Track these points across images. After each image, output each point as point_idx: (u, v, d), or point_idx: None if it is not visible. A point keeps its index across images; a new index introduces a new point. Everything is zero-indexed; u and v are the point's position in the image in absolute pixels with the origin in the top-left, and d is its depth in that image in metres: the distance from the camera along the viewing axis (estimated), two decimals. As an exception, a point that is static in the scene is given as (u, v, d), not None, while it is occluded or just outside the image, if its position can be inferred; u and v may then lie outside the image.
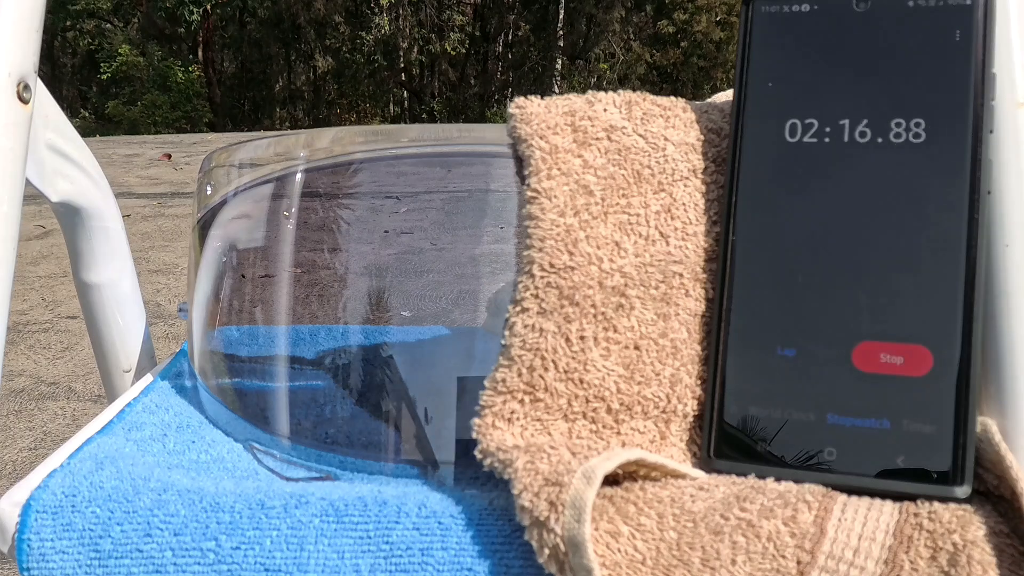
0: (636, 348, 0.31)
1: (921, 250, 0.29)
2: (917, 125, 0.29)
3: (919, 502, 0.27)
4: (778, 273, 0.30)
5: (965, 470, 0.27)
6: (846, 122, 0.30)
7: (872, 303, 0.29)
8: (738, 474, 0.30)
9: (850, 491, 0.28)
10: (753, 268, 0.31)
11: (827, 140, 0.30)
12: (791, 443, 0.29)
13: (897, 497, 0.27)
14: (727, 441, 0.30)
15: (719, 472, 0.30)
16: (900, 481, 0.28)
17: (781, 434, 0.30)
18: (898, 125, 0.29)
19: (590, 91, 0.36)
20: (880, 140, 0.30)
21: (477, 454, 0.30)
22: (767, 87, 0.31)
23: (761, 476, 0.29)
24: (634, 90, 0.36)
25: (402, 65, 13.15)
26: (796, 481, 0.29)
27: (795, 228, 0.30)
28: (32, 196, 0.40)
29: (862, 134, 0.30)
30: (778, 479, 0.29)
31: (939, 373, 0.28)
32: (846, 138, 0.30)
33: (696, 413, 0.31)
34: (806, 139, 0.31)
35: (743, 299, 0.31)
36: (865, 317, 0.29)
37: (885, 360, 0.29)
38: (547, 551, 0.26)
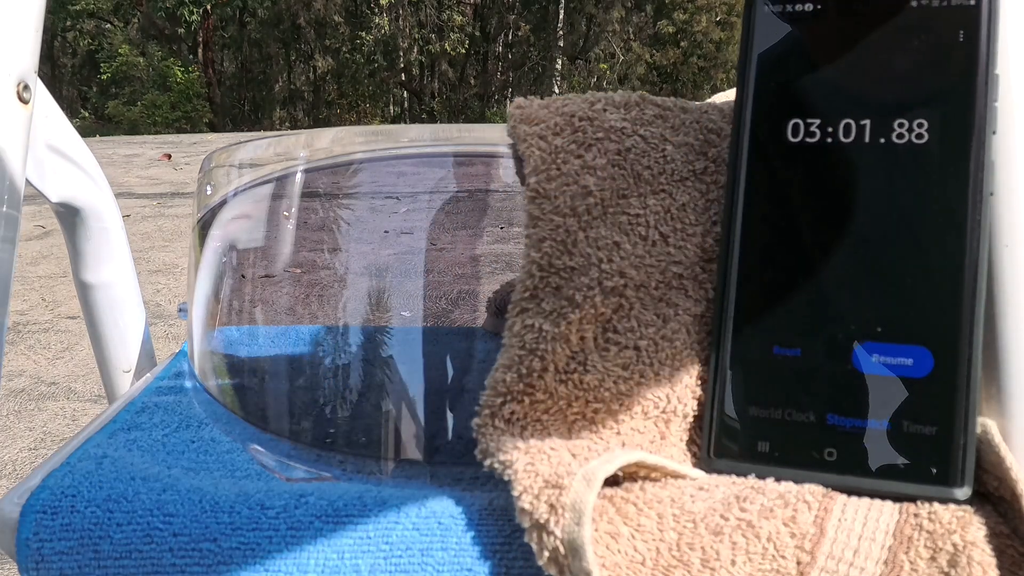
0: (636, 349, 0.31)
1: (922, 251, 0.29)
2: (920, 126, 0.29)
3: (919, 503, 0.27)
4: (778, 273, 0.30)
5: (965, 471, 0.27)
6: (848, 123, 0.30)
7: (873, 304, 0.29)
8: (738, 474, 0.29)
9: (850, 492, 0.28)
10: (753, 268, 0.31)
11: (829, 140, 0.30)
12: (791, 443, 0.29)
13: (897, 498, 0.27)
14: (727, 441, 0.30)
15: (719, 472, 0.30)
16: (900, 482, 0.28)
17: (781, 434, 0.29)
18: (901, 126, 0.29)
19: (590, 91, 0.36)
20: (882, 141, 0.29)
21: (477, 455, 0.30)
22: (769, 87, 0.31)
23: (761, 476, 0.29)
24: (634, 90, 0.36)
25: (402, 65, 13.15)
26: (796, 481, 0.28)
27: (796, 229, 0.30)
28: (32, 196, 0.40)
29: (864, 135, 0.30)
30: (778, 479, 0.29)
31: (940, 374, 0.28)
32: (848, 139, 0.30)
33: (696, 413, 0.31)
34: (808, 139, 0.30)
35: (743, 299, 0.31)
36: (866, 318, 0.29)
37: (886, 361, 0.29)
38: (547, 554, 0.26)
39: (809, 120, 0.31)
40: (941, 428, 0.28)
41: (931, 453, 0.28)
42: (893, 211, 0.29)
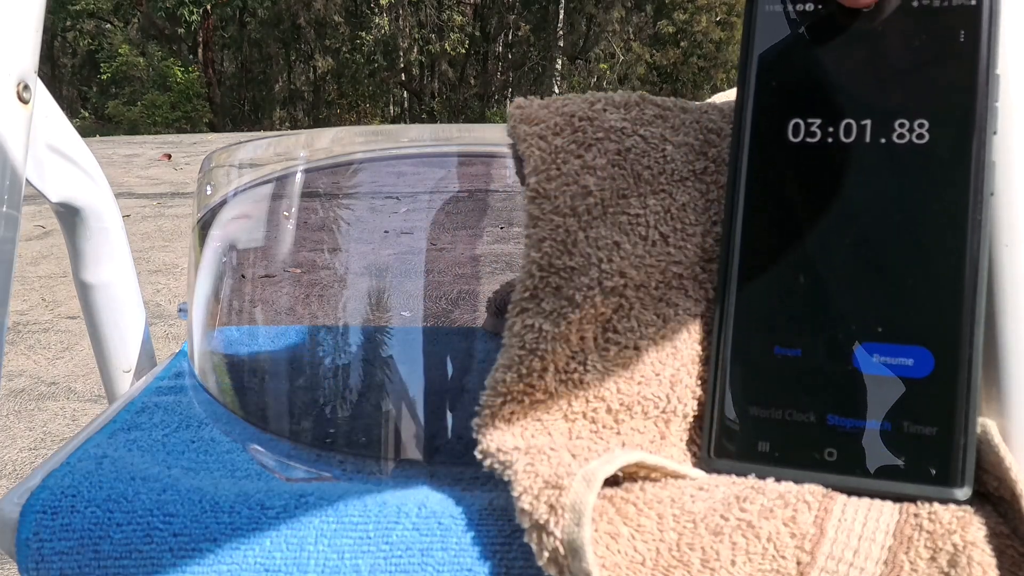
0: (636, 348, 0.31)
1: (923, 251, 0.29)
2: (921, 126, 0.29)
3: (919, 503, 0.27)
4: (779, 273, 0.30)
5: (965, 472, 0.27)
6: (849, 122, 0.30)
7: (874, 304, 0.29)
8: (738, 474, 0.29)
9: (850, 492, 0.28)
10: (754, 268, 0.31)
11: (830, 140, 0.30)
12: (791, 443, 0.29)
13: (897, 498, 0.27)
14: (727, 441, 0.30)
15: (719, 472, 0.30)
16: (900, 482, 0.28)
17: (781, 434, 0.29)
18: (901, 126, 0.29)
19: (590, 91, 0.36)
20: (883, 141, 0.29)
21: (477, 454, 0.30)
22: (770, 86, 0.31)
23: (761, 476, 0.29)
24: (634, 90, 0.36)
25: (402, 65, 13.15)
26: (796, 481, 0.28)
27: (796, 228, 0.30)
28: (32, 196, 0.40)
29: (865, 135, 0.30)
30: (778, 479, 0.29)
31: (940, 375, 0.28)
32: (849, 139, 0.30)
33: (696, 413, 0.31)
34: (808, 139, 0.30)
35: (743, 299, 0.31)
36: (866, 318, 0.29)
37: (886, 361, 0.29)
38: (547, 554, 0.26)
39: (810, 120, 0.31)
40: (941, 428, 0.28)
41: (931, 453, 0.28)
42: (894, 211, 0.29)
